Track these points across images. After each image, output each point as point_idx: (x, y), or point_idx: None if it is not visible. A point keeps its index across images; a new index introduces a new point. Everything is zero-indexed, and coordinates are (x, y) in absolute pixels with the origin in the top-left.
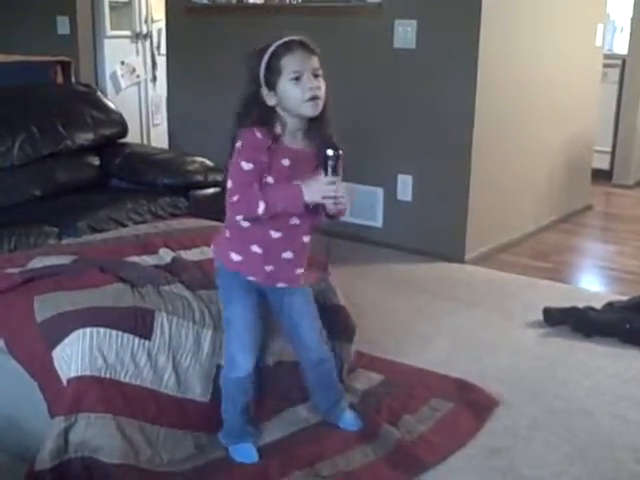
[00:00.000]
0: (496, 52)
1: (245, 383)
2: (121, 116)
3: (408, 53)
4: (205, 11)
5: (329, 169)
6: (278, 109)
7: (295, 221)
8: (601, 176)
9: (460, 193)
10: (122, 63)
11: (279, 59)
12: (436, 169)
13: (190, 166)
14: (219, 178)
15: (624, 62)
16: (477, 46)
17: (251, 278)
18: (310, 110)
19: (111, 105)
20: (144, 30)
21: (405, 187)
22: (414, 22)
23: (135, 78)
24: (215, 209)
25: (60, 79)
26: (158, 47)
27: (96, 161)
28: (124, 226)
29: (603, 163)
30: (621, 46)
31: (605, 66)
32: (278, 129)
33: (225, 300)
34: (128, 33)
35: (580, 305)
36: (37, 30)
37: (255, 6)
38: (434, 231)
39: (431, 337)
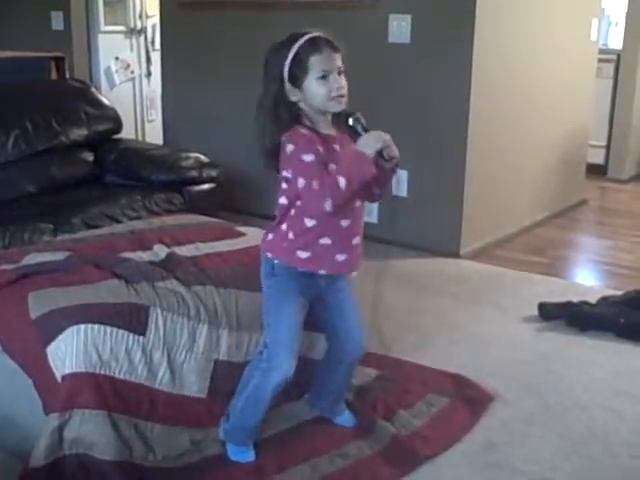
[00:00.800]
0: (491, 47)
1: (282, 387)
2: (115, 112)
3: (403, 48)
4: (199, 6)
5: (361, 131)
6: (301, 104)
7: (357, 203)
8: (596, 171)
9: (455, 188)
10: (116, 59)
11: (307, 57)
12: (431, 164)
13: (185, 162)
14: (214, 174)
15: (619, 57)
16: (472, 41)
17: (322, 271)
18: (336, 107)
19: (105, 101)
20: (138, 25)
21: (400, 183)
22: (409, 17)
23: (129, 74)
24: (209, 205)
25: (54, 75)
26: (152, 42)
27: (90, 157)
28: (119, 222)
29: (598, 158)
30: (616, 41)
31: (600, 61)
32: (307, 124)
33: (276, 301)
34: (122, 28)
35: (575, 300)
36: (31, 26)
37: (250, 1)
38: (430, 226)
39: (426, 332)
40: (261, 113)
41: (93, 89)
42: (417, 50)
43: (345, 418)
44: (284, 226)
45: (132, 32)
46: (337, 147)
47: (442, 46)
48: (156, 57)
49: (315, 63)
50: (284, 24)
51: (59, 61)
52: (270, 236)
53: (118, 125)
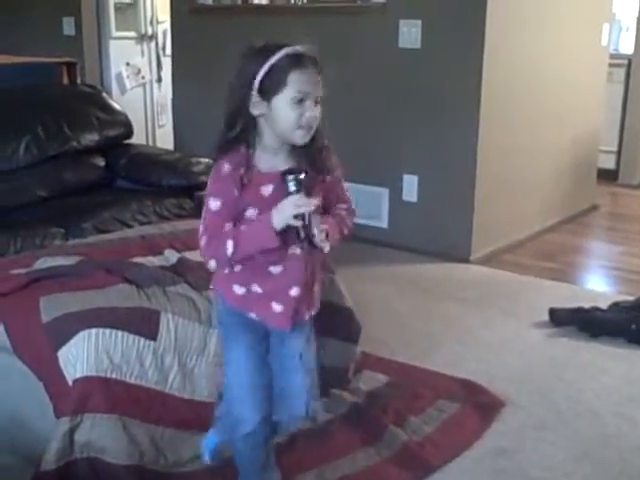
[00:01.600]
0: (501, 52)
1: (256, 438)
2: (126, 117)
3: (413, 53)
4: (210, 12)
5: (292, 191)
6: (261, 120)
7: (295, 250)
8: (607, 176)
9: (466, 193)
10: (127, 64)
11: (287, 72)
12: (442, 169)
13: (195, 167)
14: None
15: (630, 62)
16: (482, 46)
17: (253, 315)
18: (300, 139)
19: (116, 106)
20: (149, 31)
21: (411, 187)
22: (419, 22)
23: (140, 79)
24: None
25: (65, 80)
26: (163, 48)
27: (101, 162)
28: (129, 227)
29: (609, 163)
30: (627, 46)
31: (611, 66)
32: (250, 150)
33: (226, 340)
34: (133, 34)
35: (586, 305)
36: (43, 31)
37: (260, 7)
38: (440, 232)
39: (437, 338)
40: (224, 117)
41: (104, 94)
42: (427, 55)
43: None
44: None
45: (143, 38)
46: (267, 190)
47: (452, 51)
48: (167, 63)
49: (295, 80)
50: (295, 30)
51: (70, 66)
52: (215, 275)
53: (129, 130)
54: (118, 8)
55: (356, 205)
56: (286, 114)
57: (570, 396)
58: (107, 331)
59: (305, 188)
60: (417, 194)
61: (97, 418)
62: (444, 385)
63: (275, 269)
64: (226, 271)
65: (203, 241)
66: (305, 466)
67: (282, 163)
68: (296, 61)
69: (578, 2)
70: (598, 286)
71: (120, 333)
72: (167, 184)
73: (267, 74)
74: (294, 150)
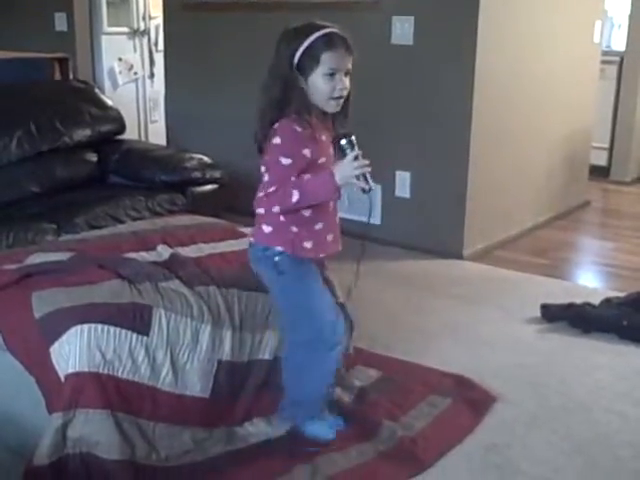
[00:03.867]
0: (494, 48)
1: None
2: (119, 113)
3: (406, 49)
4: (202, 7)
5: (349, 152)
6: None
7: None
8: (599, 172)
9: (458, 189)
10: (120, 60)
11: (320, 51)
12: (434, 165)
13: (188, 163)
14: (217, 175)
15: (622, 59)
16: (475, 42)
17: (322, 255)
18: (332, 108)
19: (109, 102)
20: (141, 26)
21: (403, 184)
22: (412, 18)
23: (133, 75)
24: (212, 206)
25: (58, 76)
26: (156, 44)
27: (94, 158)
28: (122, 222)
29: (601, 159)
30: (619, 43)
31: (603, 63)
32: (308, 113)
33: (297, 289)
34: (125, 29)
35: (578, 301)
36: (35, 27)
37: (252, 2)
38: (432, 228)
39: (429, 333)
40: (265, 95)
41: (96, 90)
42: (420, 51)
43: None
44: (282, 218)
45: (135, 33)
46: (325, 136)
47: (445, 47)
48: (159, 58)
49: (327, 59)
50: (287, 25)
51: (63, 62)
52: (268, 229)
53: (121, 126)
54: (110, 3)
55: (348, 201)
56: (321, 87)
57: (561, 391)
58: (99, 326)
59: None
60: (410, 190)
61: (90, 413)
62: (436, 380)
63: (332, 204)
64: (294, 229)
65: (271, 189)
66: (302, 459)
67: (320, 124)
68: (328, 42)
69: None
70: (590, 282)
71: (112, 329)
72: (160, 180)
73: (303, 54)
74: (326, 114)
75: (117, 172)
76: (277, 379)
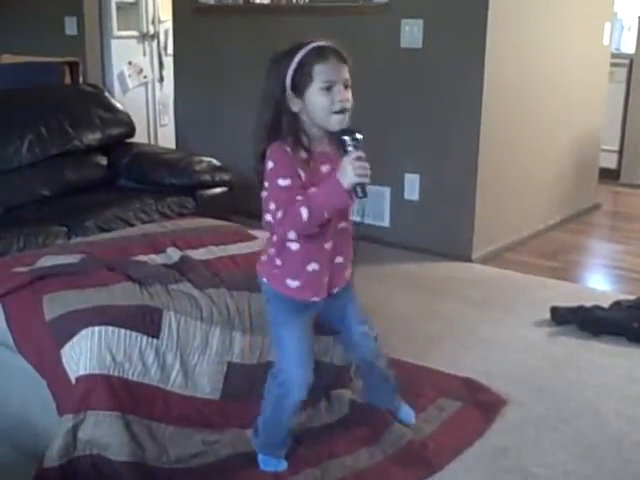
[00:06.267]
0: (503, 51)
1: (299, 405)
2: (128, 116)
3: (415, 52)
4: (212, 11)
5: (350, 149)
6: (302, 115)
7: (343, 224)
8: (609, 175)
9: (467, 192)
10: (129, 63)
11: (312, 65)
12: (443, 168)
13: (197, 166)
14: (226, 178)
15: (631, 61)
16: (484, 45)
17: (314, 299)
18: (336, 124)
19: (118, 105)
20: (151, 30)
21: (412, 186)
22: (421, 21)
23: (142, 78)
24: (222, 208)
25: (68, 79)
26: (165, 47)
27: (104, 161)
28: (132, 225)
29: (610, 162)
30: (628, 45)
31: (612, 65)
32: (304, 138)
33: (277, 323)
34: (135, 33)
35: (588, 304)
36: (45, 31)
37: (262, 6)
38: (441, 230)
39: (438, 336)
40: (259, 119)
41: (106, 94)
42: (429, 55)
43: (404, 413)
44: (272, 250)
45: (145, 37)
46: (325, 168)
47: (454, 51)
48: (169, 62)
49: (320, 72)
50: (297, 29)
51: (73, 66)
52: (263, 258)
53: (131, 129)
54: (120, 7)
55: (357, 204)
56: (319, 102)
57: (571, 395)
58: (110, 329)
59: (356, 147)
60: (419, 193)
61: (100, 415)
62: (445, 384)
63: (328, 244)
64: (278, 262)
65: (279, 215)
66: (312, 462)
67: (326, 147)
68: (318, 54)
69: (580, 1)
70: (599, 285)
71: (123, 331)
72: (169, 183)
73: (295, 72)
74: (332, 136)
75: (127, 175)
76: None
